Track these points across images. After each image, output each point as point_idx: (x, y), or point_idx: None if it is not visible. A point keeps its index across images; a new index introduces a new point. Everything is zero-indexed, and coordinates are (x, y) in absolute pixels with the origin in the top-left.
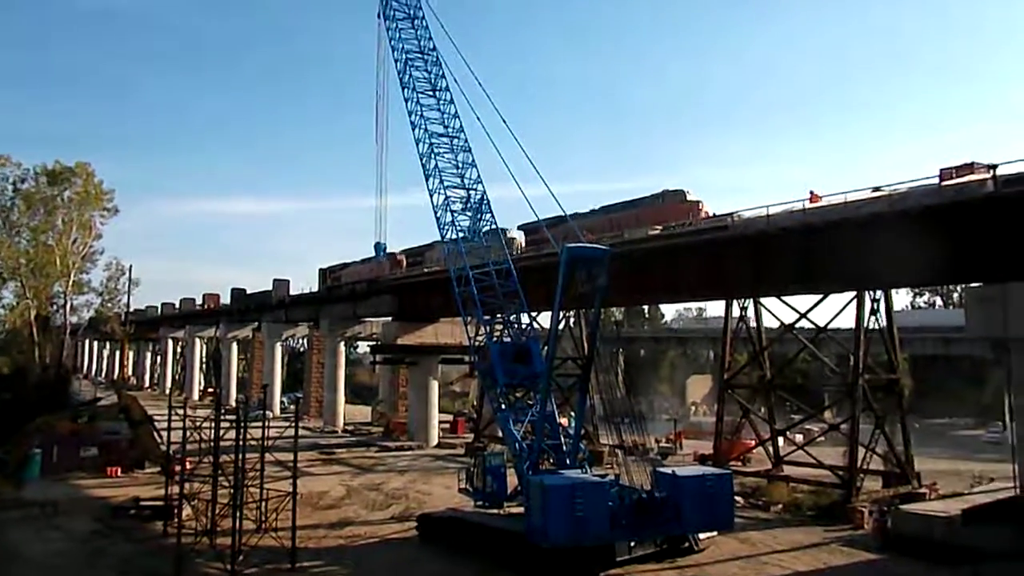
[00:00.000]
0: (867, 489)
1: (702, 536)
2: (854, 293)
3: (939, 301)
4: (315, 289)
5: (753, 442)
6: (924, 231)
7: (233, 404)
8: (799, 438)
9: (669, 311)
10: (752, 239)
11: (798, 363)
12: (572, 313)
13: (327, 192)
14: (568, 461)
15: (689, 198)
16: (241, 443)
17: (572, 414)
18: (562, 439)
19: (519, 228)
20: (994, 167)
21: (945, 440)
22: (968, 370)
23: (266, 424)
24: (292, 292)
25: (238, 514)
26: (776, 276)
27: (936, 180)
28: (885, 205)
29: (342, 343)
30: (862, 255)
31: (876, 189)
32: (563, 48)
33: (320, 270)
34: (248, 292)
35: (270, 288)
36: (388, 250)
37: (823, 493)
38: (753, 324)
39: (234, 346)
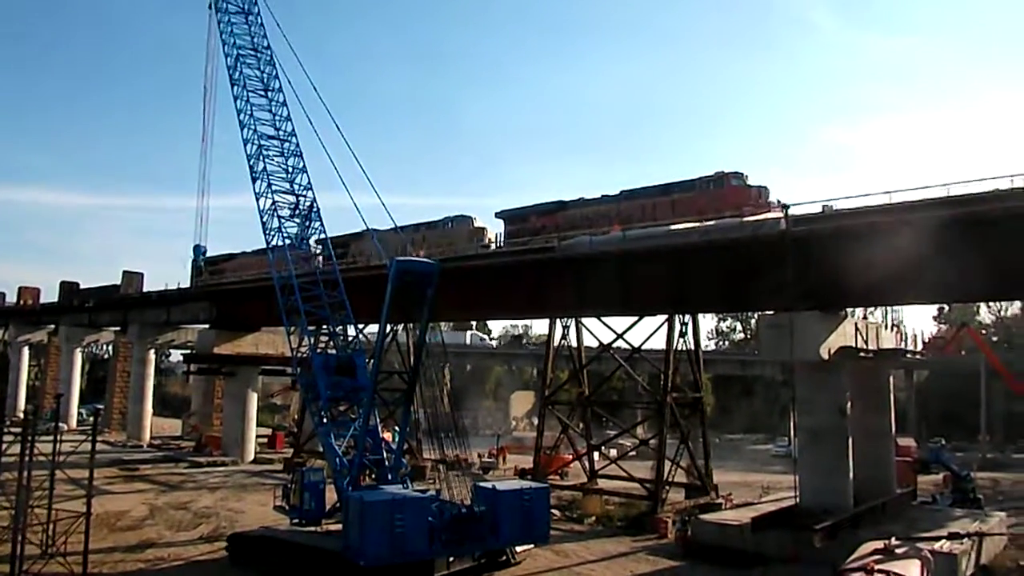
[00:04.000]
0: (671, 500)
1: (519, 549)
2: (666, 316)
3: (739, 326)
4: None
5: (571, 456)
6: (729, 261)
7: (20, 415)
8: (613, 453)
9: (496, 327)
10: (576, 262)
11: (614, 381)
12: (400, 326)
13: (170, 189)
14: (390, 476)
15: (750, 183)
16: (27, 458)
17: (396, 428)
18: (384, 454)
19: (498, 215)
20: (787, 207)
21: (740, 454)
22: (761, 390)
23: (59, 437)
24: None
25: (19, 537)
26: (597, 298)
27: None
28: (696, 236)
29: (152, 351)
30: (674, 281)
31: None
32: (407, 66)
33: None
34: (83, 287)
35: (118, 282)
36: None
37: (632, 505)
38: (574, 343)
39: (25, 351)
